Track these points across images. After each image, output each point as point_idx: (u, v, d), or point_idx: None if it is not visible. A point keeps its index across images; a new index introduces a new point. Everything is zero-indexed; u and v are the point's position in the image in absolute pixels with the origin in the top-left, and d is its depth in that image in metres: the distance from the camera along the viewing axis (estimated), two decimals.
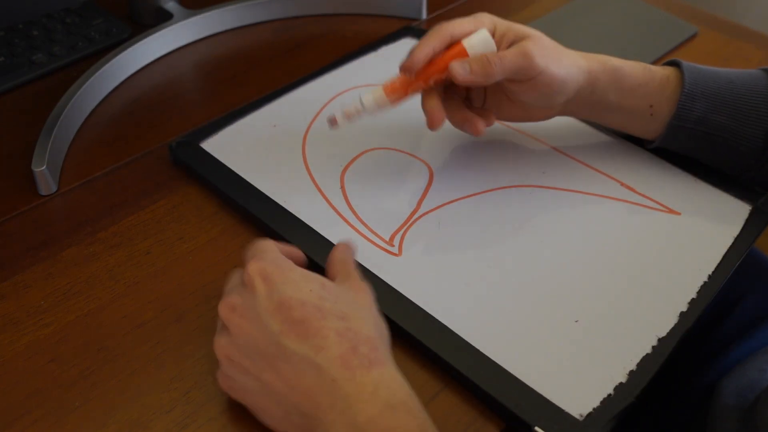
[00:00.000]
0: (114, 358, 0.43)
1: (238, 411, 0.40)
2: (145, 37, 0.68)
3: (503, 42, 0.51)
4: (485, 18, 0.52)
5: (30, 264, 0.49)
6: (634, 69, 0.54)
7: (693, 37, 0.77)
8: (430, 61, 0.50)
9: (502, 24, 0.52)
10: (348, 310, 0.38)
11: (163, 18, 0.71)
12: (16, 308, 0.46)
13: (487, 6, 0.81)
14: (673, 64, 0.56)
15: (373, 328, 0.39)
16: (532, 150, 0.59)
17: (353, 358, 0.36)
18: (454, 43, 0.51)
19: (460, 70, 0.49)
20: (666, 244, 0.51)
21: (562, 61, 0.51)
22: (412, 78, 0.50)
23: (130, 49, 0.66)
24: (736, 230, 0.53)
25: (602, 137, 0.61)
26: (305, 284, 0.38)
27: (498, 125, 0.61)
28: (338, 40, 0.73)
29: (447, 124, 0.61)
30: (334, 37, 0.74)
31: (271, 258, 0.40)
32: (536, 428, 0.39)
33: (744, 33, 0.79)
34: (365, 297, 0.41)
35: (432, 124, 0.51)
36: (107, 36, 0.70)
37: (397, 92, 0.51)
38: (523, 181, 0.56)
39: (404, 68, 0.50)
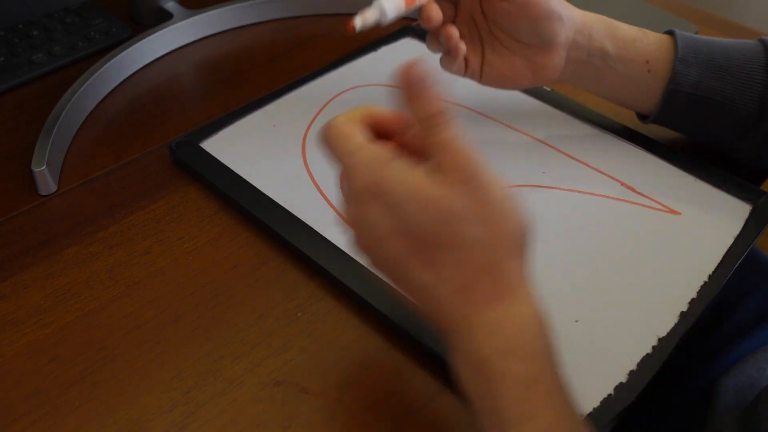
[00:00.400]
0: (114, 358, 0.43)
1: (238, 411, 0.40)
2: (145, 37, 0.68)
3: None
4: None
5: (30, 264, 0.49)
6: (626, 25, 0.56)
7: None
8: None
9: None
10: (470, 231, 0.33)
11: (163, 18, 0.71)
12: (16, 308, 0.46)
13: None
14: (667, 33, 0.57)
15: (499, 245, 0.33)
16: (532, 150, 0.59)
17: (473, 293, 0.33)
18: None
19: None
20: (666, 244, 0.51)
21: (563, 4, 0.52)
22: None
23: (130, 49, 0.66)
24: (736, 230, 0.53)
25: (603, 137, 0.61)
26: (420, 204, 0.33)
27: (498, 125, 0.61)
28: (338, 40, 0.73)
29: None
30: (334, 37, 0.74)
31: (377, 174, 0.34)
32: None
33: (743, 32, 0.79)
34: (491, 191, 0.33)
35: (426, 20, 0.51)
36: (107, 36, 0.70)
37: None
38: (523, 181, 0.56)
39: None
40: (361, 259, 0.38)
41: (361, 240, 0.36)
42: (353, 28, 0.49)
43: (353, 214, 0.36)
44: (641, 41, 0.56)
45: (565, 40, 0.54)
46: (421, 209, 0.33)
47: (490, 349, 0.33)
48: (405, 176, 0.34)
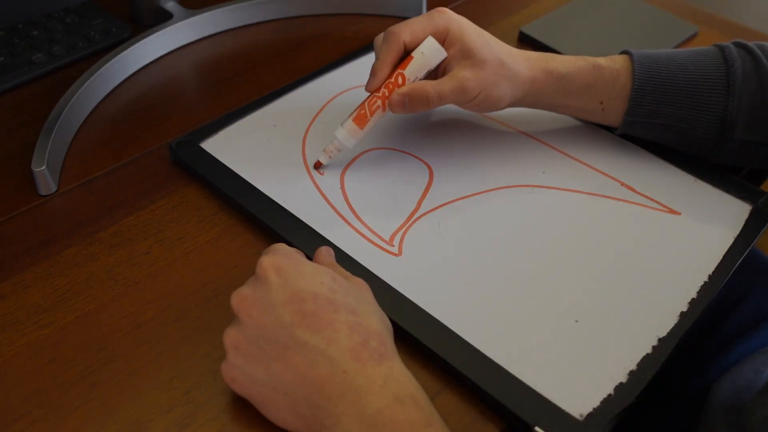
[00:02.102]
0: (114, 358, 0.43)
1: (238, 411, 0.40)
2: (145, 37, 0.68)
3: (449, 51, 0.52)
4: (439, 19, 0.52)
5: (30, 264, 0.49)
6: (581, 72, 0.55)
7: (693, 36, 0.77)
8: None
9: (456, 29, 0.52)
10: (357, 305, 0.39)
11: (163, 18, 0.71)
12: (16, 308, 0.46)
13: (487, 6, 0.81)
14: (625, 52, 0.57)
15: (380, 323, 0.39)
16: (532, 150, 0.59)
17: (364, 351, 0.36)
18: (408, 50, 0.53)
19: (398, 107, 0.52)
20: (666, 244, 0.51)
21: (500, 84, 0.53)
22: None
23: (130, 49, 0.66)
24: (736, 230, 0.53)
25: (603, 137, 0.61)
26: (317, 277, 0.39)
27: (498, 125, 0.61)
28: (338, 40, 0.73)
29: (449, 125, 0.61)
30: (334, 37, 0.74)
31: (283, 252, 0.40)
32: (536, 428, 0.39)
33: (743, 32, 0.80)
34: (368, 293, 0.42)
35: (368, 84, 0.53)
36: (107, 36, 0.70)
37: (364, 119, 0.53)
38: (523, 181, 0.56)
39: (371, 91, 0.53)
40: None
41: (254, 311, 0.38)
42: (321, 164, 0.56)
43: (252, 288, 0.39)
44: (594, 86, 0.55)
45: (510, 103, 0.56)
46: (324, 279, 0.39)
47: (387, 398, 0.35)
48: (306, 261, 0.40)
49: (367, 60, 0.69)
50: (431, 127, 0.61)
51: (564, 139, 0.60)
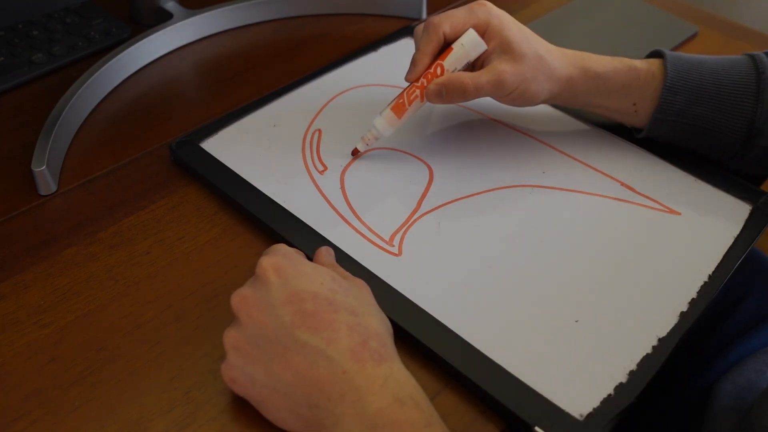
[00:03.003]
0: (114, 358, 0.43)
1: (238, 411, 0.40)
2: (145, 37, 0.68)
3: (489, 44, 0.53)
4: (480, 12, 0.53)
5: (30, 264, 0.49)
6: (617, 72, 0.55)
7: (693, 36, 0.77)
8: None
9: (495, 23, 0.53)
10: (357, 305, 0.39)
11: (163, 18, 0.71)
12: (16, 308, 0.46)
13: None
14: (658, 54, 0.57)
15: (380, 323, 0.39)
16: (532, 150, 0.59)
17: (364, 352, 0.36)
18: (447, 41, 0.53)
19: (435, 97, 0.52)
20: (666, 244, 0.51)
21: (538, 80, 0.53)
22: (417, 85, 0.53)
23: (130, 49, 0.66)
24: (736, 230, 0.53)
25: (603, 137, 0.61)
26: (317, 277, 0.39)
27: (498, 125, 0.61)
28: (338, 40, 0.73)
29: (449, 125, 0.62)
30: (334, 37, 0.74)
31: (283, 252, 0.40)
32: (536, 428, 0.39)
33: (744, 32, 0.80)
34: (368, 293, 0.42)
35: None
36: (107, 36, 0.70)
37: (402, 108, 0.54)
38: (523, 181, 0.56)
39: (411, 81, 0.53)
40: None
41: (254, 312, 0.38)
42: (358, 151, 0.56)
43: (251, 289, 0.39)
44: (630, 87, 0.55)
45: (547, 99, 0.56)
46: (323, 279, 0.39)
47: (387, 398, 0.35)
48: (305, 261, 0.40)
49: (367, 60, 0.69)
50: (431, 127, 0.61)
51: (564, 139, 0.60)
